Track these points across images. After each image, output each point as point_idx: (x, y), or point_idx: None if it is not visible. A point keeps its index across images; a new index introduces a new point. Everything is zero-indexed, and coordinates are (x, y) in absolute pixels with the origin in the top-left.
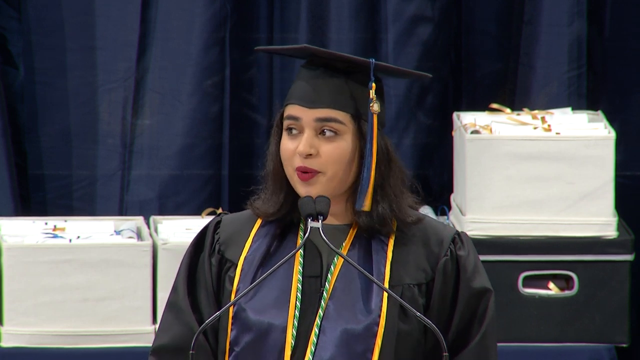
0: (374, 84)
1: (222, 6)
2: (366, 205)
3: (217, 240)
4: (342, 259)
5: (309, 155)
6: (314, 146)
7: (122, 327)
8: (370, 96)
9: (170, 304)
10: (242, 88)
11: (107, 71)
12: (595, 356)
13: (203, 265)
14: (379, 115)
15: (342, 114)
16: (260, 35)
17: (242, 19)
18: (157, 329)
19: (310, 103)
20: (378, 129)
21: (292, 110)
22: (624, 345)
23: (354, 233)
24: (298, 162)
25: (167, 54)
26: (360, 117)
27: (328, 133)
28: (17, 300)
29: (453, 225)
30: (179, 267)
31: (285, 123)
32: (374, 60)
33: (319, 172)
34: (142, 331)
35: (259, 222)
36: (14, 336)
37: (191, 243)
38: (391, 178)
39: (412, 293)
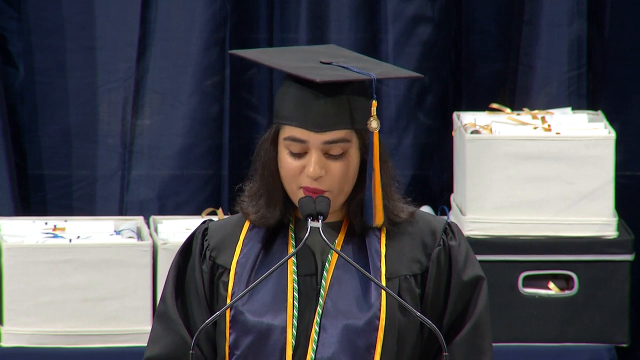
0: (374, 102)
1: (222, 6)
2: (377, 221)
3: (207, 247)
4: (337, 256)
5: (319, 177)
6: (323, 167)
7: (122, 327)
8: (372, 114)
9: (159, 314)
10: (242, 88)
11: (107, 71)
12: (595, 356)
13: (193, 272)
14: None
15: (348, 131)
16: (260, 35)
17: (242, 19)
18: (147, 340)
19: (317, 127)
20: (381, 141)
21: (295, 132)
22: (624, 345)
23: (345, 229)
24: (305, 182)
25: (167, 54)
26: (361, 128)
27: (336, 153)
28: (17, 300)
29: None
30: (167, 277)
31: (287, 143)
32: (375, 76)
33: (328, 190)
34: (142, 331)
35: (247, 225)
36: (14, 336)
37: (178, 252)
38: (384, 177)
39: (409, 284)
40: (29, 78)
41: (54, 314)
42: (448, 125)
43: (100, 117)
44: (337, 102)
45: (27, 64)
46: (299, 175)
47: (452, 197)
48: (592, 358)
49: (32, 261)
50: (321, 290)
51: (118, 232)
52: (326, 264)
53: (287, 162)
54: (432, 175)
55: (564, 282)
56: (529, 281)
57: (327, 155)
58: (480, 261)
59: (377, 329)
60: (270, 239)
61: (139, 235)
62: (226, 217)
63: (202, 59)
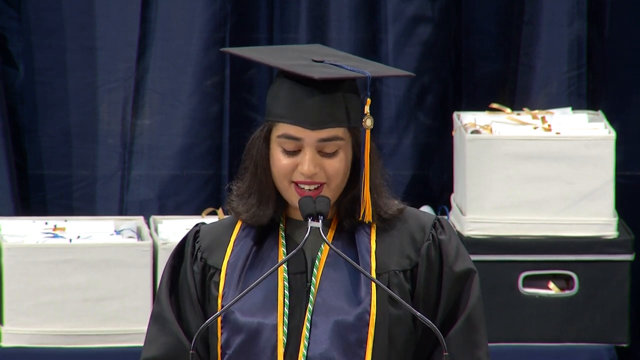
0: (368, 99)
1: (222, 6)
2: (367, 216)
3: (199, 249)
4: (327, 253)
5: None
6: (317, 165)
7: (122, 327)
8: (365, 111)
9: (154, 316)
10: (242, 88)
11: (107, 71)
12: (595, 356)
13: (185, 274)
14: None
15: (342, 129)
16: (260, 35)
17: (242, 19)
18: (143, 342)
19: (313, 124)
20: (370, 139)
21: (290, 130)
22: (624, 345)
23: (335, 227)
24: (299, 177)
25: (167, 54)
26: (355, 126)
27: (330, 150)
28: (17, 300)
29: (453, 224)
30: (161, 279)
31: (280, 141)
32: (370, 74)
33: (323, 183)
34: (142, 331)
35: (238, 226)
36: (14, 336)
37: (171, 255)
38: (374, 175)
39: (399, 279)
40: (29, 78)
41: (54, 314)
42: (448, 125)
43: (100, 117)
44: (332, 100)
45: (27, 64)
46: (291, 172)
47: (452, 197)
48: (592, 358)
49: (32, 261)
50: (311, 288)
51: (118, 232)
52: (316, 261)
53: (280, 160)
54: (432, 175)
55: (564, 282)
56: (529, 281)
57: (321, 153)
58: (480, 261)
59: (367, 324)
60: (261, 238)
61: (139, 235)
62: (218, 220)
63: (202, 59)
